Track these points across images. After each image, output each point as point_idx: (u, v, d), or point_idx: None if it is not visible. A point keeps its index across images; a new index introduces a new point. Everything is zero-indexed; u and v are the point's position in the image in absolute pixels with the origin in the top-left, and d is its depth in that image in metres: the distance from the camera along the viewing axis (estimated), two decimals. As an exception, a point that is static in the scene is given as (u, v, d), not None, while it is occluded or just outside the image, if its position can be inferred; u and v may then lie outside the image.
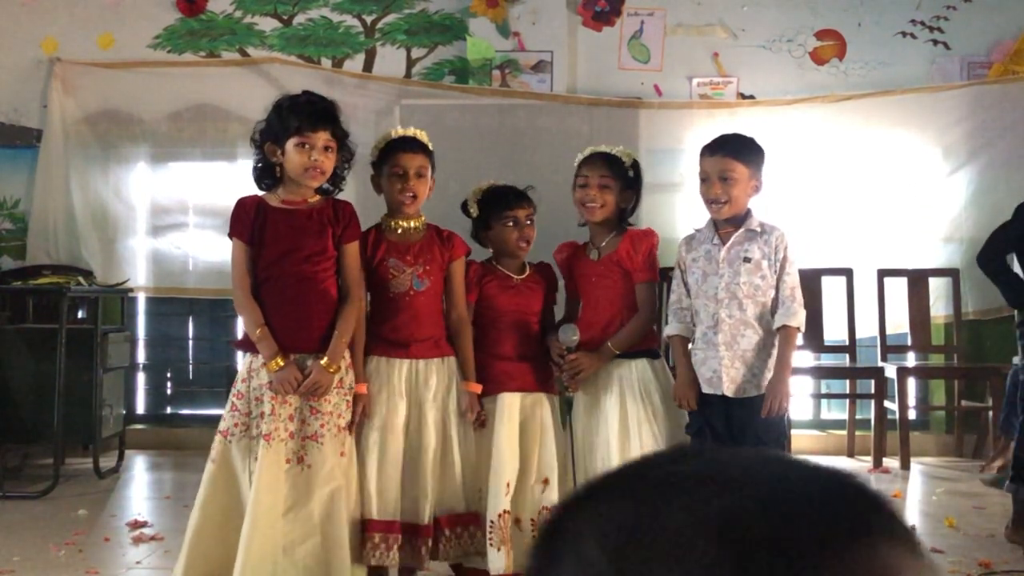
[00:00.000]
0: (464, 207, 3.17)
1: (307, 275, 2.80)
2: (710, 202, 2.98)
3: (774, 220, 3.04)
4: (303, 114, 2.78)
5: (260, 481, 2.68)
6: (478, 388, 3.04)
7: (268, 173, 2.86)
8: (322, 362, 2.76)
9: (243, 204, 2.85)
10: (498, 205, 3.12)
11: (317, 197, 2.88)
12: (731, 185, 2.93)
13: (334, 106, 2.86)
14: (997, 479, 4.32)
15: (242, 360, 2.87)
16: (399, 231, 3.02)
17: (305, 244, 2.80)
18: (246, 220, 2.81)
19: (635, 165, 3.14)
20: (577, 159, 3.19)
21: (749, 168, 2.95)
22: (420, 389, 2.95)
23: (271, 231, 2.80)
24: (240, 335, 2.98)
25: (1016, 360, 4.04)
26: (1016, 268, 3.73)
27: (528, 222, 3.12)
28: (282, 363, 2.73)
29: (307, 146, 2.76)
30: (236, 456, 2.75)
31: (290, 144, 2.77)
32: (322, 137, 2.78)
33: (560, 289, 3.27)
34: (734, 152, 2.95)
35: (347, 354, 2.86)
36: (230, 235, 2.85)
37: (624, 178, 3.10)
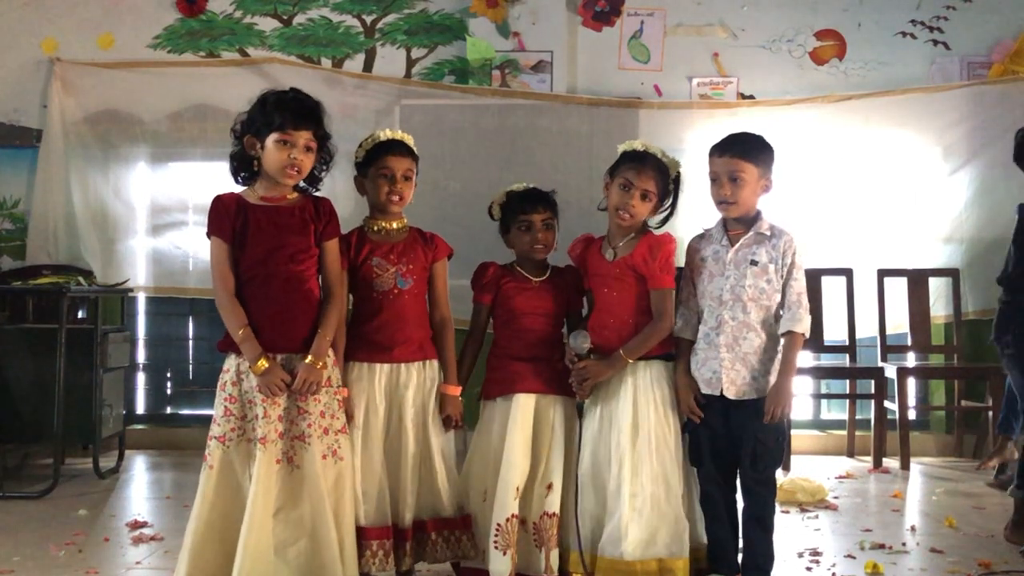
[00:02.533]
0: (490, 210, 3.20)
1: (292, 274, 2.77)
2: (719, 202, 2.98)
3: (781, 223, 3.01)
4: (288, 111, 2.75)
5: (257, 484, 2.67)
6: (456, 390, 3.04)
7: (245, 166, 2.82)
8: (308, 361, 2.75)
9: (222, 202, 2.80)
10: (515, 208, 3.13)
11: (295, 194, 2.86)
12: (740, 185, 2.92)
13: (319, 106, 2.83)
14: (1003, 482, 4.31)
15: (228, 361, 2.80)
16: (382, 232, 3.03)
17: (289, 242, 2.78)
18: (227, 218, 2.77)
19: (677, 179, 3.11)
20: (624, 147, 3.10)
21: (759, 168, 2.94)
22: (400, 392, 2.95)
23: (254, 229, 2.77)
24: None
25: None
26: None
27: (544, 226, 3.11)
28: (267, 364, 2.71)
29: (288, 144, 2.74)
30: (236, 461, 2.74)
31: (270, 140, 2.74)
32: (303, 136, 2.76)
33: None
34: (743, 152, 2.94)
35: (331, 352, 2.84)
36: (209, 234, 2.79)
37: (665, 189, 3.07)
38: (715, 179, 2.97)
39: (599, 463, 2.99)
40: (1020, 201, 3.75)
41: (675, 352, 3.08)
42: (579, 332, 3.00)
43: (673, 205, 3.13)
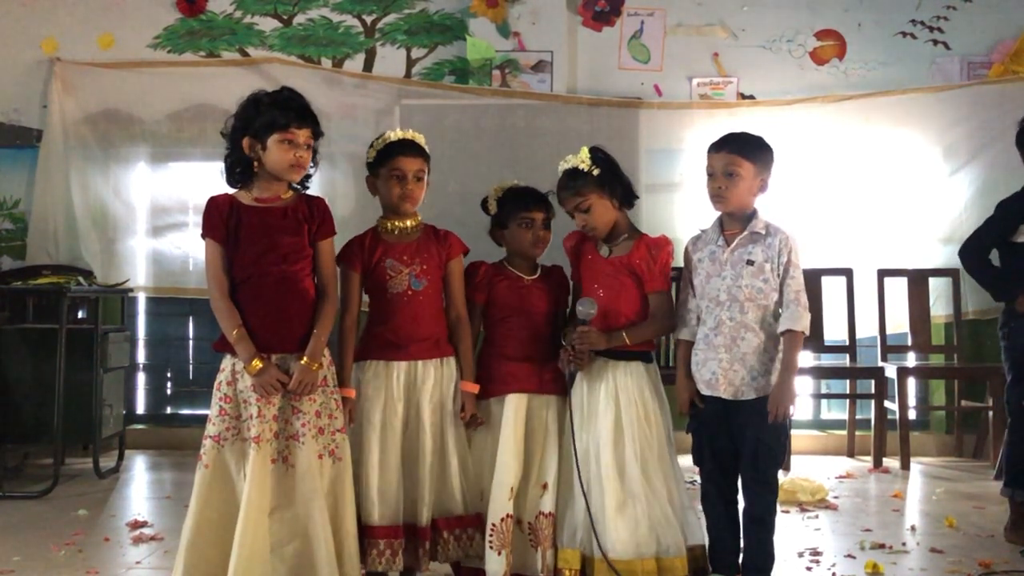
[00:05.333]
0: (484, 204, 3.17)
1: (286, 275, 2.77)
2: (713, 196, 2.97)
3: (779, 222, 3.00)
4: (290, 110, 2.75)
5: (251, 483, 2.67)
6: (475, 388, 3.03)
7: (243, 168, 2.81)
8: (303, 361, 2.74)
9: (216, 203, 2.80)
10: (516, 205, 3.11)
11: (290, 194, 2.85)
12: (735, 181, 2.92)
13: (310, 105, 2.84)
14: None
15: (224, 361, 2.80)
16: (395, 232, 3.02)
17: (282, 242, 2.77)
18: (220, 220, 2.77)
19: (596, 159, 3.01)
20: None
21: (755, 165, 2.94)
22: (418, 390, 2.95)
23: (247, 230, 2.77)
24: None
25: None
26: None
27: (544, 225, 3.11)
28: (261, 364, 2.70)
29: (291, 143, 2.74)
30: (230, 460, 2.74)
31: (272, 140, 2.74)
32: (304, 134, 2.77)
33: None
34: (739, 149, 2.94)
35: (327, 352, 2.84)
36: (203, 235, 2.80)
37: (595, 183, 3.00)
38: (711, 174, 2.96)
39: (586, 464, 2.97)
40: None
41: (675, 353, 3.09)
42: (586, 299, 2.98)
43: (618, 179, 3.04)
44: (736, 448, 2.95)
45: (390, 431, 2.92)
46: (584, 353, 2.97)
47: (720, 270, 2.97)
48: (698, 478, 3.09)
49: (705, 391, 2.97)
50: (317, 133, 2.83)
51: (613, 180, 3.04)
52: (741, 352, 2.92)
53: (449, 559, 2.99)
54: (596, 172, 3.01)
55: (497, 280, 3.12)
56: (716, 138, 3.03)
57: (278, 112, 2.75)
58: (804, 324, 2.90)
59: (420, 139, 3.07)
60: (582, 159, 3.02)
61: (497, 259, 3.21)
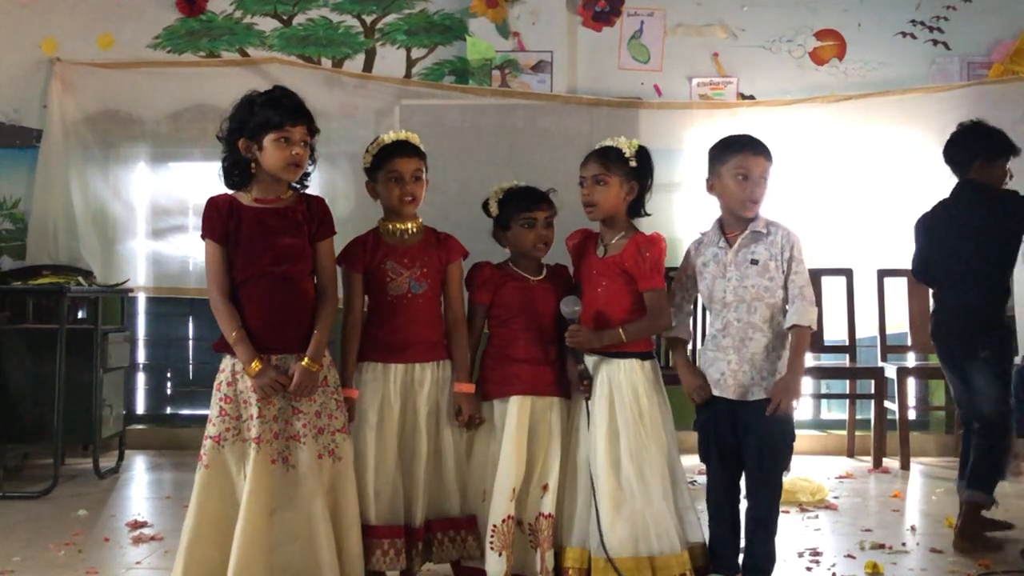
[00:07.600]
0: (485, 206, 3.17)
1: (287, 275, 2.77)
2: (753, 202, 2.94)
3: (778, 218, 3.01)
4: (283, 109, 2.75)
5: (251, 484, 2.68)
6: (470, 388, 3.03)
7: (240, 171, 2.80)
8: (303, 363, 2.74)
9: (215, 204, 2.80)
10: (517, 205, 3.10)
11: (290, 193, 2.84)
12: (766, 186, 2.94)
13: (304, 102, 2.83)
14: None
15: (224, 362, 2.80)
16: (396, 234, 3.02)
17: (283, 243, 2.77)
18: (219, 220, 2.76)
19: (640, 154, 3.04)
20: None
21: (771, 164, 2.98)
22: (414, 392, 2.96)
23: (247, 231, 2.76)
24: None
25: (1017, 360, 4.02)
26: None
27: (547, 224, 3.10)
28: (260, 366, 2.70)
29: (287, 140, 2.74)
30: (231, 460, 2.74)
31: (268, 139, 2.73)
32: (300, 131, 2.76)
33: None
34: (769, 154, 2.96)
35: (327, 352, 2.84)
36: (203, 236, 2.79)
37: (625, 169, 3.02)
38: (747, 176, 2.93)
39: (585, 463, 2.98)
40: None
41: (671, 351, 3.10)
42: (570, 297, 2.98)
43: (647, 182, 3.07)
44: (742, 449, 2.95)
45: (386, 432, 2.93)
46: (588, 385, 2.97)
47: (724, 272, 2.97)
48: (699, 478, 3.09)
49: (714, 391, 2.97)
50: (313, 130, 2.82)
51: (641, 180, 3.06)
52: (750, 352, 2.92)
53: (443, 559, 3.00)
54: (633, 163, 3.02)
55: (502, 281, 3.11)
56: (717, 139, 3.04)
57: (272, 111, 2.74)
58: (811, 318, 2.90)
59: (415, 138, 3.06)
60: (630, 145, 3.04)
61: (500, 259, 3.20)
